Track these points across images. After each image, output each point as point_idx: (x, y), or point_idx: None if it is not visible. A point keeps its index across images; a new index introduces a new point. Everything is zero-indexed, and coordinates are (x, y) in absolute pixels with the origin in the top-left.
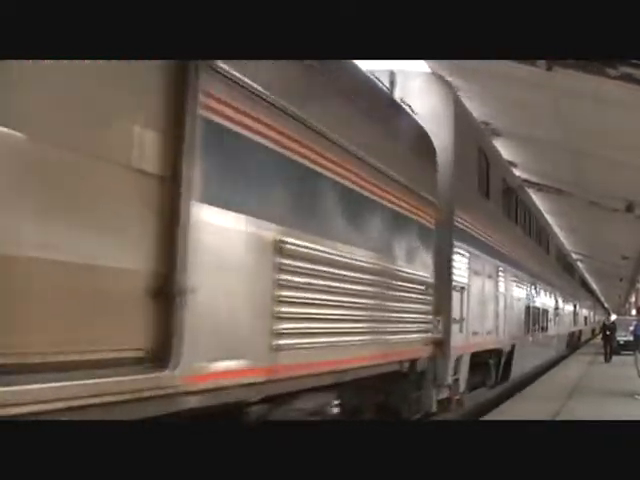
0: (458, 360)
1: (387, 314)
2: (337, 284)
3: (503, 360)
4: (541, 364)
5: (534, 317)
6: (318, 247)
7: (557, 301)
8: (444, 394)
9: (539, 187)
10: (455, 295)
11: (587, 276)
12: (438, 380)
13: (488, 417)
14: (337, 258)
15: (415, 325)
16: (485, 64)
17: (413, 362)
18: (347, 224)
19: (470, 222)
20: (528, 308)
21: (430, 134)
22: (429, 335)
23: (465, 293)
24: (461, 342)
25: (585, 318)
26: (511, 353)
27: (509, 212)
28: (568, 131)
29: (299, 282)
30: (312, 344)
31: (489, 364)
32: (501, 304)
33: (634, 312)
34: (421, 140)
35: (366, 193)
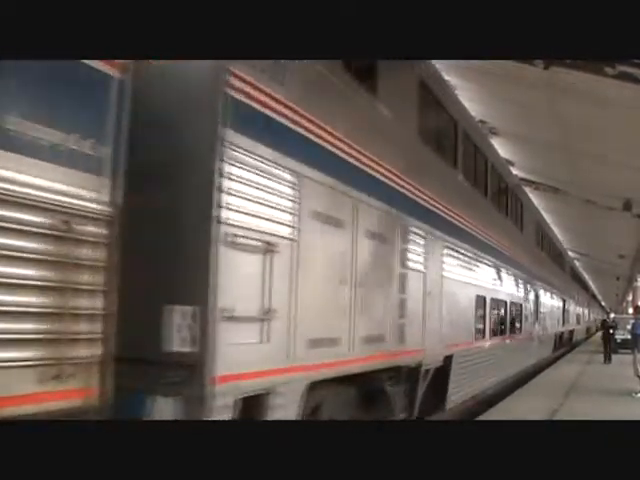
0: (252, 402)
1: None
2: None
3: (424, 382)
4: (511, 376)
5: (496, 314)
6: None
7: (538, 294)
8: None
9: (536, 185)
10: (238, 258)
11: (584, 273)
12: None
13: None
14: None
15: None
16: (482, 63)
17: None
18: None
19: (309, 103)
20: (484, 300)
21: None
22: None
23: (283, 257)
24: (263, 362)
25: (578, 316)
26: (445, 368)
27: (439, 140)
28: (565, 130)
29: None
30: None
31: (387, 392)
32: (413, 289)
33: (631, 311)
34: None
35: None
